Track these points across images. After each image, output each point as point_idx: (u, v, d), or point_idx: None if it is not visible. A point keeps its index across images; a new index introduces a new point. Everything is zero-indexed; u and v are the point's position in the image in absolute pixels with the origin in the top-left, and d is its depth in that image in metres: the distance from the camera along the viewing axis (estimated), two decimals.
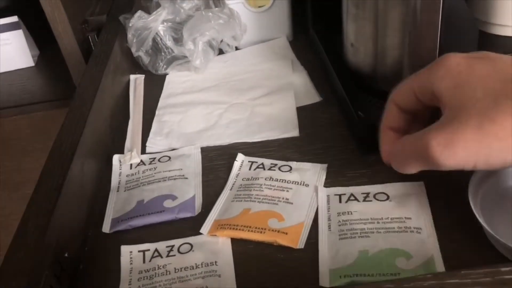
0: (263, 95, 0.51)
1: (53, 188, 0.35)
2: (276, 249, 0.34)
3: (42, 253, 0.30)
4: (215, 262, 0.33)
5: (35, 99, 0.70)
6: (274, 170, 0.40)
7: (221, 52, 0.59)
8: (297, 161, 0.41)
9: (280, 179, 0.39)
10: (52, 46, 0.82)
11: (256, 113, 0.48)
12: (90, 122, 0.42)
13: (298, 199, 0.37)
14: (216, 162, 0.43)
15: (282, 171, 0.40)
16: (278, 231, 0.34)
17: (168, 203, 0.38)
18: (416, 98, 0.32)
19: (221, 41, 0.57)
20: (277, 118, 0.46)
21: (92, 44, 0.61)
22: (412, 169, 0.31)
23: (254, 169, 0.41)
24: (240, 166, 0.41)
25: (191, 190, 0.39)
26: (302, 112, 0.47)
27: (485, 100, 0.27)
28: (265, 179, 0.39)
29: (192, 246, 0.35)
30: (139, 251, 0.35)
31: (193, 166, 0.42)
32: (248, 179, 0.40)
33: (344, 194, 0.37)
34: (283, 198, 0.37)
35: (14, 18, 0.76)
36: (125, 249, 0.35)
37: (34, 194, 0.35)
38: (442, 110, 0.29)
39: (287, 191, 0.38)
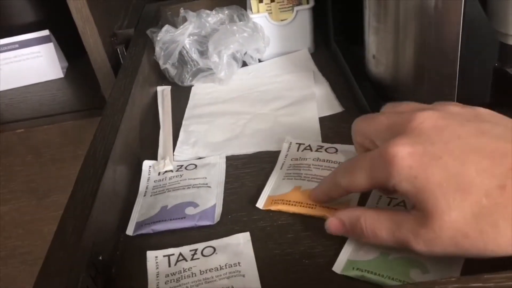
0: (285, 105, 0.52)
1: (89, 192, 0.36)
2: (299, 250, 0.35)
3: (80, 255, 0.32)
4: (239, 263, 0.34)
5: (65, 109, 0.73)
6: (321, 151, 0.42)
7: (244, 64, 0.60)
8: None
9: (327, 160, 0.41)
10: (80, 58, 0.85)
11: (279, 123, 0.49)
12: (122, 130, 0.44)
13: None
14: (242, 171, 0.44)
15: (329, 153, 0.42)
16: (328, 207, 0.37)
17: (189, 210, 0.40)
18: (375, 188, 0.33)
19: (245, 53, 0.59)
20: (300, 128, 0.48)
21: (120, 56, 0.64)
22: (384, 243, 0.31)
23: (302, 150, 0.43)
24: (289, 147, 0.44)
25: (212, 198, 0.41)
26: (324, 122, 0.48)
27: (452, 214, 0.27)
28: (313, 160, 0.42)
29: (215, 249, 0.36)
30: (164, 256, 0.36)
31: (217, 175, 0.44)
32: (296, 159, 0.42)
33: None
34: None
35: (45, 32, 0.79)
36: (150, 255, 0.37)
37: (70, 199, 0.36)
38: (411, 204, 0.29)
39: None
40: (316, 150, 0.43)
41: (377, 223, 0.31)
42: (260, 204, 0.39)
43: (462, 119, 0.30)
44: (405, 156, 0.28)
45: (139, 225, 0.39)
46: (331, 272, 0.32)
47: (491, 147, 0.27)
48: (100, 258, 0.35)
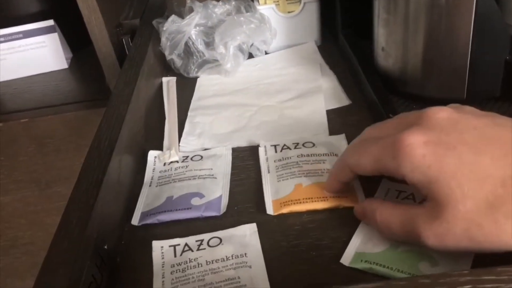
0: (292, 98, 0.52)
1: (94, 182, 0.36)
2: (306, 242, 0.35)
3: (85, 244, 0.32)
4: (245, 254, 0.34)
5: (69, 100, 0.73)
6: (300, 148, 0.42)
7: (250, 56, 0.60)
8: None
9: (310, 154, 0.41)
10: (83, 50, 0.85)
11: (286, 115, 0.49)
12: (127, 121, 0.44)
13: None
14: (248, 162, 0.44)
15: (307, 147, 0.42)
16: (339, 196, 0.37)
17: (195, 201, 0.39)
18: (380, 173, 0.32)
19: (251, 45, 0.59)
20: (307, 121, 0.47)
21: (125, 47, 0.63)
22: (396, 237, 0.31)
23: (281, 151, 0.43)
24: (265, 151, 0.43)
25: (218, 190, 0.40)
26: (332, 115, 0.48)
27: (466, 203, 0.26)
28: (297, 157, 0.41)
29: (221, 240, 0.36)
30: (170, 246, 0.36)
31: (223, 166, 0.43)
32: (280, 160, 0.42)
33: None
34: (325, 169, 0.40)
35: (50, 22, 0.78)
36: (156, 244, 0.36)
37: (75, 189, 0.36)
38: (423, 196, 0.29)
39: (323, 162, 0.40)
40: (295, 148, 0.42)
41: (390, 217, 0.30)
42: (270, 211, 0.38)
43: (476, 113, 0.30)
44: (419, 145, 0.28)
45: (144, 215, 0.39)
46: (338, 265, 0.32)
47: (506, 137, 0.27)
48: (106, 247, 0.34)
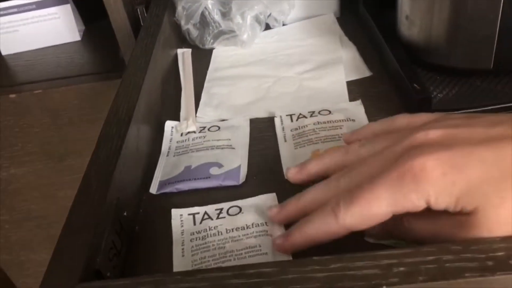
0: (311, 69, 0.51)
1: (113, 149, 0.36)
2: None
3: (105, 210, 0.31)
4: (265, 223, 0.34)
5: (82, 72, 0.72)
6: (317, 115, 0.42)
7: (267, 27, 0.59)
8: None
9: (327, 121, 0.41)
10: (95, 23, 0.84)
11: (305, 86, 0.48)
12: (144, 90, 0.43)
13: None
14: (266, 133, 0.43)
15: (323, 115, 0.42)
16: None
17: (214, 170, 0.39)
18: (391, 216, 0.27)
19: (269, 15, 0.57)
20: (327, 92, 0.46)
21: (140, 17, 0.62)
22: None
23: (296, 120, 0.42)
24: (281, 121, 0.43)
25: (237, 159, 0.40)
26: (352, 86, 0.47)
27: (507, 205, 0.24)
28: (313, 124, 0.41)
29: (240, 208, 0.35)
30: (189, 214, 0.36)
31: (241, 137, 0.43)
32: (296, 129, 0.41)
33: None
34: (342, 134, 0.39)
35: None
36: (175, 212, 0.36)
37: (94, 155, 0.36)
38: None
39: (340, 128, 0.40)
40: (311, 116, 0.42)
41: (419, 226, 0.27)
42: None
43: (461, 120, 0.28)
44: (434, 164, 0.25)
45: (162, 183, 0.39)
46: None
47: (510, 132, 0.25)
48: (125, 214, 0.34)
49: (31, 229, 0.91)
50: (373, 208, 0.26)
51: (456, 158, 0.25)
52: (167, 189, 0.38)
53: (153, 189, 0.39)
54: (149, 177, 0.40)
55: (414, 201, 0.25)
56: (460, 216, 0.25)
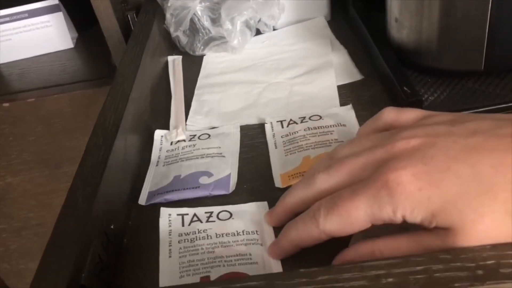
0: (302, 74, 0.50)
1: (99, 161, 0.35)
2: None
3: (91, 223, 0.31)
4: (256, 231, 0.33)
5: (75, 79, 0.72)
6: (307, 121, 0.42)
7: (258, 33, 0.58)
8: None
9: (317, 126, 0.41)
10: (88, 30, 0.83)
11: (296, 92, 0.48)
12: (132, 99, 0.43)
13: (345, 137, 0.39)
14: (257, 140, 0.43)
15: (313, 120, 0.42)
16: None
17: (203, 180, 0.39)
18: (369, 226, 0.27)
19: (259, 20, 0.57)
20: (318, 97, 0.46)
21: (131, 23, 0.62)
22: None
23: (287, 126, 0.42)
24: (272, 127, 0.43)
25: (227, 168, 0.40)
26: (343, 90, 0.46)
27: (484, 220, 0.24)
28: (304, 130, 0.41)
29: (231, 214, 0.35)
30: (178, 214, 0.35)
31: (231, 144, 0.42)
32: (286, 135, 0.41)
33: None
34: (333, 140, 0.39)
35: (54, 1, 0.77)
36: (164, 211, 0.36)
37: (80, 167, 0.35)
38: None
39: (331, 133, 0.40)
40: (302, 122, 0.42)
41: (396, 251, 0.26)
42: (278, 183, 0.37)
43: (443, 125, 0.27)
44: (410, 179, 0.25)
45: (151, 194, 0.38)
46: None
47: (491, 143, 0.25)
48: (112, 227, 0.34)
49: (30, 238, 0.91)
50: (352, 217, 0.26)
51: (433, 173, 0.25)
52: (156, 200, 0.38)
53: (142, 200, 0.38)
54: (138, 188, 0.39)
55: (390, 214, 0.25)
56: (438, 231, 0.25)
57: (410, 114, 0.30)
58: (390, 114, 0.31)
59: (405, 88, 0.39)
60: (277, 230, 0.33)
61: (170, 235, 0.33)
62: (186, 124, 0.46)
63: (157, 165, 0.41)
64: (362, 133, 0.33)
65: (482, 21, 0.37)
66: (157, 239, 0.34)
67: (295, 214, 0.31)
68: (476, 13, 0.37)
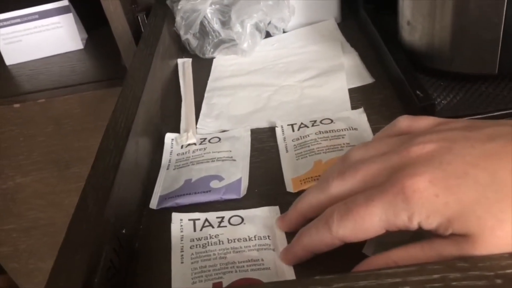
0: (312, 77, 0.50)
1: (110, 165, 0.35)
2: None
3: (103, 227, 0.31)
4: (268, 236, 0.33)
5: (85, 80, 0.72)
6: (318, 125, 0.41)
7: (267, 35, 0.58)
8: None
9: (329, 130, 0.40)
10: (98, 31, 0.84)
11: (306, 95, 0.47)
12: (143, 102, 0.43)
13: (357, 141, 0.38)
14: (267, 144, 0.42)
15: (325, 124, 0.41)
16: None
17: (214, 184, 0.38)
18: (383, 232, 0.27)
19: (269, 23, 0.57)
20: (329, 100, 0.46)
21: (141, 24, 0.62)
22: None
23: (298, 130, 0.42)
24: (282, 131, 0.42)
25: (238, 172, 0.39)
26: (354, 93, 0.46)
27: (504, 227, 0.23)
28: (315, 134, 0.40)
29: (242, 219, 0.35)
30: (189, 220, 0.35)
31: (242, 148, 0.42)
32: (297, 139, 0.41)
33: None
34: (344, 144, 0.39)
35: (64, 2, 0.77)
36: (176, 216, 0.36)
37: (92, 171, 0.35)
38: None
39: (343, 137, 0.40)
40: (313, 125, 0.42)
41: (411, 261, 0.26)
42: (290, 188, 0.37)
43: (459, 131, 0.27)
44: (426, 186, 0.24)
45: (162, 198, 0.38)
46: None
47: (510, 148, 0.24)
48: (124, 231, 0.34)
49: (39, 238, 0.92)
50: (366, 223, 0.26)
51: (450, 179, 0.24)
52: (167, 204, 0.38)
53: (153, 204, 0.38)
54: (149, 192, 0.39)
55: (405, 221, 0.25)
56: (455, 237, 0.25)
57: (424, 122, 0.30)
58: (405, 122, 0.31)
59: (417, 92, 0.38)
60: (289, 235, 0.33)
61: (182, 240, 0.33)
62: (196, 128, 0.46)
63: (167, 169, 0.41)
64: (375, 138, 0.33)
65: (496, 24, 0.37)
66: (168, 243, 0.34)
67: (308, 220, 0.31)
68: (490, 16, 0.37)
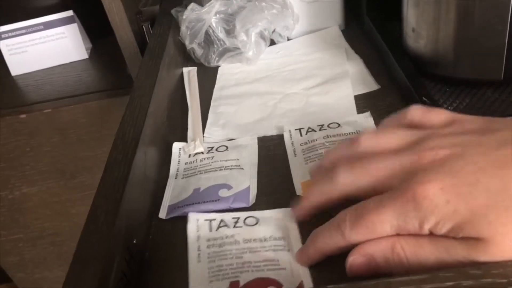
0: (317, 84, 0.50)
1: (120, 176, 0.35)
2: None
3: (114, 239, 0.31)
4: (283, 237, 0.33)
5: (90, 89, 0.73)
6: (325, 129, 0.42)
7: (272, 43, 0.58)
8: None
9: (336, 134, 0.41)
10: (102, 41, 0.84)
11: (312, 102, 0.48)
12: (150, 113, 0.43)
13: None
14: (275, 152, 0.43)
15: (332, 128, 0.42)
16: None
17: (223, 193, 0.39)
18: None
19: (273, 31, 0.57)
20: (334, 107, 0.46)
21: (146, 34, 0.62)
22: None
23: (306, 134, 0.42)
24: (290, 135, 0.43)
25: (246, 180, 0.40)
26: (360, 100, 0.46)
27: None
28: (323, 138, 0.41)
29: (257, 220, 0.35)
30: (205, 220, 0.35)
31: (249, 156, 0.42)
32: (305, 143, 0.41)
33: None
34: None
35: (69, 13, 0.78)
36: (192, 216, 0.35)
37: (101, 183, 0.35)
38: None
39: None
40: (320, 130, 0.42)
41: (419, 249, 0.26)
42: (299, 192, 0.37)
43: (472, 134, 0.27)
44: (437, 193, 0.25)
45: (171, 208, 0.38)
46: None
47: None
48: (134, 242, 0.34)
49: (45, 247, 0.92)
50: (377, 229, 0.27)
51: (461, 186, 0.25)
52: (176, 213, 0.38)
53: (162, 214, 0.38)
54: (158, 201, 0.40)
55: (416, 227, 0.26)
56: (467, 239, 0.25)
57: (436, 116, 0.30)
58: (417, 112, 0.31)
59: (424, 98, 0.38)
60: (304, 236, 0.33)
61: (198, 240, 0.34)
62: (203, 136, 0.46)
63: (176, 178, 0.42)
64: (386, 126, 0.33)
65: (501, 31, 0.37)
66: (178, 252, 0.34)
67: (319, 209, 0.31)
68: (494, 22, 0.37)
